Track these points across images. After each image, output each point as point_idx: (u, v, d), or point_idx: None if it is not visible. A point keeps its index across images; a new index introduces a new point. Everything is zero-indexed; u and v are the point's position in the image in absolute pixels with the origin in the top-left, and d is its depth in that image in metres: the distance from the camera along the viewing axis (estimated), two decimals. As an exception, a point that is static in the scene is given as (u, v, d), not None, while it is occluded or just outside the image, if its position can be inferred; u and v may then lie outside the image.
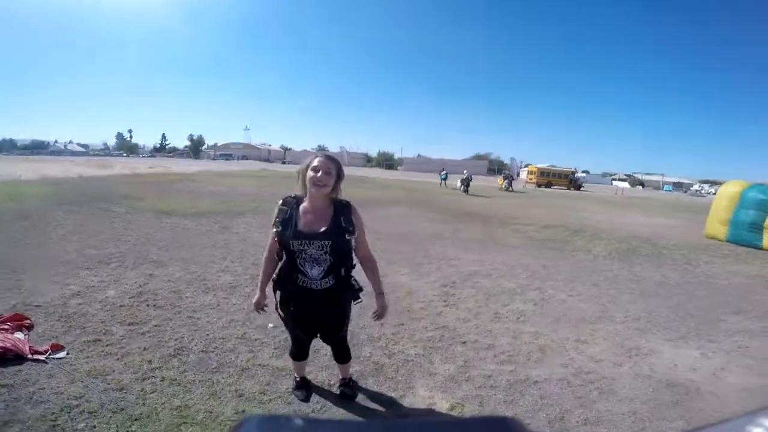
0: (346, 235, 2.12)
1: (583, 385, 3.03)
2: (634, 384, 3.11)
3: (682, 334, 4.12)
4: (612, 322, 4.34)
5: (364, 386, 2.87)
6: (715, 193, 13.42)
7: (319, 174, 2.05)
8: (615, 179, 70.14)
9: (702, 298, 5.43)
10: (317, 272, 2.12)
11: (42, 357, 2.92)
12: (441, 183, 26.74)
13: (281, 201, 2.17)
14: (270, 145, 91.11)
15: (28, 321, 3.48)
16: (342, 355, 2.61)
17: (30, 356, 2.92)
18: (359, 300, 2.36)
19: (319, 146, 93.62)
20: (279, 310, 2.34)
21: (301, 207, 2.13)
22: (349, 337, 3.49)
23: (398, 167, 70.63)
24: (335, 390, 2.77)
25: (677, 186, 65.20)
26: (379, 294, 2.32)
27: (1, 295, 4.04)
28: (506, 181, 28.02)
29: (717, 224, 10.73)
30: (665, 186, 64.60)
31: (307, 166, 2.11)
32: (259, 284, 2.34)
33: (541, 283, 5.58)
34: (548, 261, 6.89)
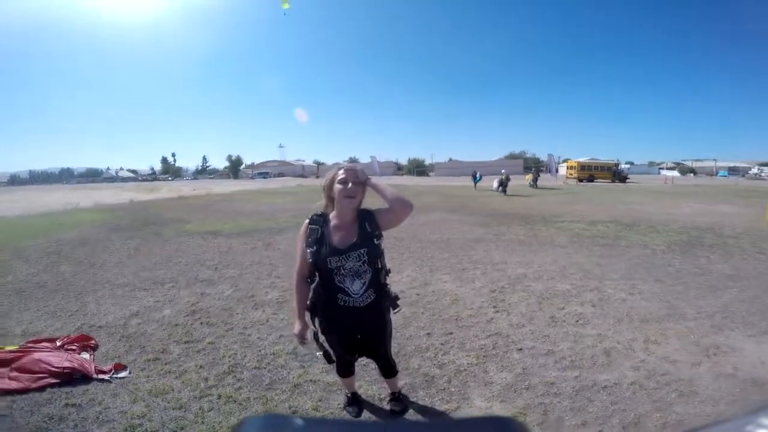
0: (375, 240, 2.06)
1: (658, 388, 2.82)
2: (717, 384, 2.87)
3: (764, 329, 3.78)
4: (683, 319, 4.03)
5: (414, 399, 2.78)
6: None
7: (350, 186, 2.01)
8: (663, 168, 66.34)
9: None
10: (359, 286, 2.05)
11: (106, 376, 3.06)
12: (475, 186, 26.27)
13: (308, 221, 2.11)
14: (304, 161, 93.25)
15: (93, 341, 3.66)
16: (388, 369, 2.52)
17: (95, 376, 3.06)
18: (398, 308, 2.26)
19: (350, 158, 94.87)
20: (319, 340, 2.25)
21: (331, 223, 2.08)
22: (395, 349, 3.43)
23: (430, 173, 70.20)
24: (386, 404, 2.70)
25: (733, 171, 60.54)
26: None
27: (67, 317, 4.30)
28: (498, 181, 23.07)
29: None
30: (720, 171, 60.25)
31: (332, 180, 2.06)
32: (297, 313, 2.19)
33: (597, 282, 5.27)
34: (601, 259, 6.52)
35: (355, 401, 2.68)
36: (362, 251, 2.02)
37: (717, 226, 9.74)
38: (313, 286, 2.16)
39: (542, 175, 30.62)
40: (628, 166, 54.13)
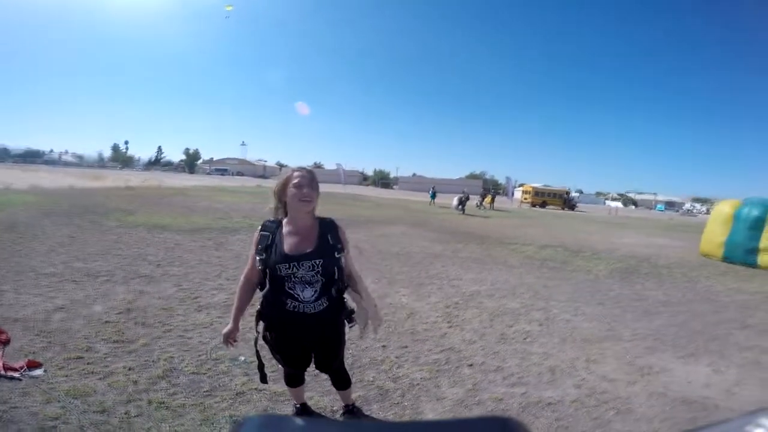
0: (336, 254, 1.98)
1: (598, 406, 2.94)
2: (650, 402, 3.04)
3: (691, 351, 4.09)
4: (620, 340, 4.27)
5: (368, 413, 2.68)
6: (706, 212, 13.54)
7: (305, 190, 1.93)
8: (608, 199, 70.81)
9: (707, 315, 5.45)
10: (309, 294, 1.95)
11: (16, 374, 2.71)
12: (431, 202, 26.93)
13: (260, 227, 2.02)
14: (266, 162, 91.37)
15: (4, 335, 3.26)
16: (341, 381, 2.40)
17: (2, 372, 2.71)
18: (353, 323, 2.13)
19: (315, 163, 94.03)
20: (262, 340, 2.11)
21: (284, 229, 1.99)
22: (350, 361, 3.33)
23: (394, 186, 70.90)
24: (338, 417, 2.57)
25: (669, 205, 65.76)
26: (374, 306, 2.16)
27: (-21, 308, 3.81)
28: (457, 200, 22.04)
29: (712, 243, 10.85)
30: (658, 205, 65.19)
31: (285, 183, 1.97)
32: (232, 314, 2.08)
33: (545, 303, 5.44)
34: (549, 281, 6.75)
35: (305, 412, 2.52)
36: (316, 262, 1.93)
37: (653, 256, 10.45)
38: (263, 293, 2.05)
39: (498, 198, 31.66)
40: (577, 194, 57.22)
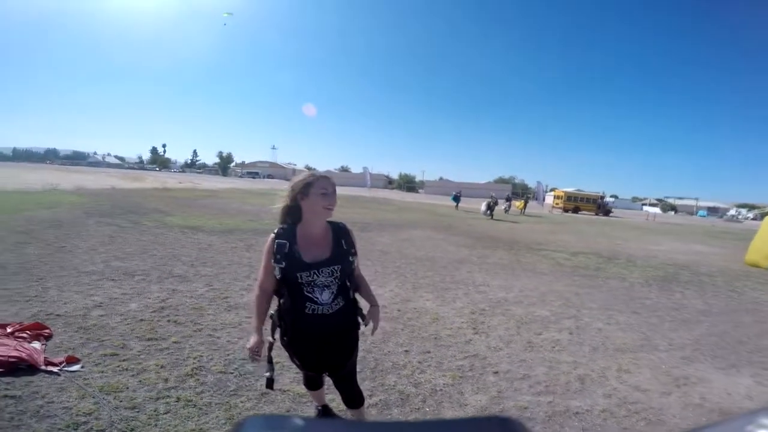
0: (350, 257, 2.00)
1: (628, 416, 2.87)
2: (684, 414, 2.96)
3: (732, 362, 3.94)
4: (655, 350, 4.14)
5: (388, 417, 2.67)
6: (753, 218, 12.81)
7: (332, 199, 1.92)
8: (645, 204, 67.90)
9: (750, 325, 5.22)
10: (327, 296, 1.93)
11: (55, 369, 2.84)
12: (456, 205, 26.36)
13: (274, 235, 1.95)
14: (295, 165, 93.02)
15: (47, 331, 3.43)
16: (353, 397, 2.21)
17: (43, 367, 2.84)
18: (366, 322, 2.10)
19: (341, 167, 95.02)
20: (271, 353, 2.05)
21: (299, 236, 1.94)
22: (372, 365, 3.33)
23: (420, 190, 70.60)
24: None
25: (712, 211, 62.41)
26: (375, 306, 2.12)
27: (24, 303, 4.05)
28: (485, 205, 21.37)
29: (761, 253, 10.29)
30: (699, 211, 61.93)
31: (304, 186, 1.91)
32: (254, 326, 1.99)
33: (576, 311, 5.28)
34: (581, 288, 6.54)
35: (326, 415, 2.54)
36: (335, 268, 1.93)
37: (693, 264, 9.99)
38: (280, 301, 2.00)
39: (529, 203, 30.68)
40: (612, 199, 55.15)
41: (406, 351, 3.66)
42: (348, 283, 2.04)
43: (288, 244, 1.90)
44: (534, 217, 24.88)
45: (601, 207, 39.34)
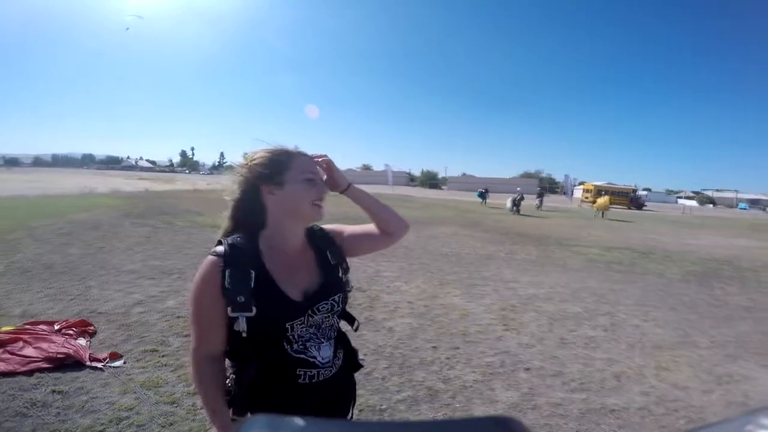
0: (344, 276, 1.26)
1: (667, 414, 2.80)
2: (727, 412, 2.86)
3: None
4: (696, 348, 4.00)
5: (417, 413, 2.67)
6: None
7: (325, 187, 1.21)
8: (681, 197, 65.14)
9: None
10: (327, 350, 1.19)
11: (100, 365, 2.97)
12: (482, 202, 25.77)
13: (219, 255, 1.09)
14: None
15: (91, 328, 3.60)
16: None
17: (88, 363, 2.98)
18: (361, 366, 1.38)
19: (363, 165, 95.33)
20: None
21: (267, 255, 1.13)
22: (399, 361, 3.34)
23: (442, 187, 70.06)
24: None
25: (754, 203, 59.19)
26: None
27: (69, 301, 4.26)
28: (511, 200, 20.56)
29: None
30: (740, 203, 58.90)
31: (277, 168, 1.13)
32: (211, 417, 1.12)
33: (610, 307, 5.13)
34: (615, 284, 6.36)
35: None
36: (336, 298, 1.20)
37: (735, 259, 9.54)
38: (240, 369, 1.15)
39: (553, 197, 29.31)
40: (645, 193, 53.15)
41: (434, 347, 3.65)
42: (343, 318, 1.31)
43: (251, 271, 1.07)
44: (562, 212, 24.28)
45: (633, 200, 38.00)
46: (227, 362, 1.16)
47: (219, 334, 1.09)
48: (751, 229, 19.47)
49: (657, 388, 3.13)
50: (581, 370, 3.36)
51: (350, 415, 1.34)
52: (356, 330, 1.34)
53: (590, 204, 37.06)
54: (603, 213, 20.52)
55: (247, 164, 1.16)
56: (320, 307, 1.16)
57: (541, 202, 24.88)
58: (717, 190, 72.55)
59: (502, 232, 12.34)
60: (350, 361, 1.31)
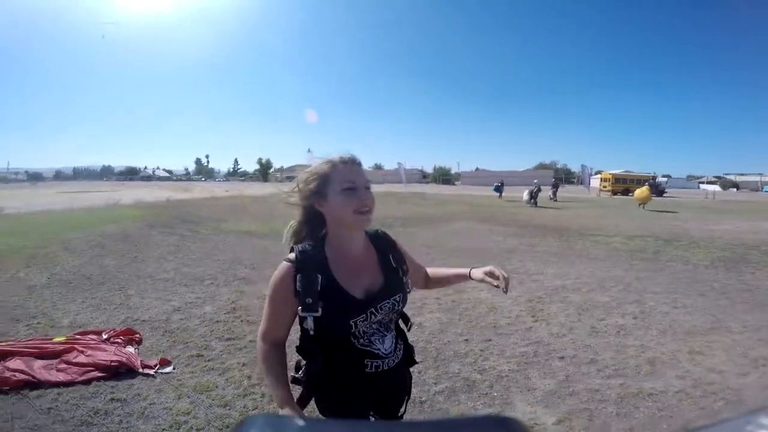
0: (405, 277, 1.37)
1: (705, 396, 2.85)
2: (765, 393, 2.88)
3: None
4: (729, 332, 4.00)
5: (456, 403, 2.77)
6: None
7: (365, 194, 1.23)
8: (702, 182, 63.46)
9: None
10: (390, 343, 1.32)
11: (151, 371, 3.10)
12: (499, 195, 25.49)
13: (291, 262, 1.23)
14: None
15: (137, 335, 3.77)
16: None
17: (141, 370, 3.11)
18: (416, 362, 1.54)
19: (375, 165, 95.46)
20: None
21: (333, 261, 1.25)
22: (434, 354, 3.43)
23: (456, 182, 69.69)
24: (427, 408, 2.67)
25: (780, 186, 57.29)
26: (474, 269, 1.54)
27: (112, 310, 4.47)
28: (528, 193, 20.55)
29: None
30: (765, 186, 57.11)
31: (320, 182, 1.25)
32: (279, 396, 1.22)
33: (638, 296, 5.13)
34: (641, 273, 6.33)
35: None
36: (397, 298, 1.31)
37: (763, 243, 9.31)
38: (309, 364, 1.30)
39: (570, 188, 28.83)
40: (665, 179, 51.95)
41: (467, 340, 3.74)
42: (403, 316, 1.43)
43: (320, 276, 1.21)
44: (581, 202, 23.99)
45: (653, 187, 37.08)
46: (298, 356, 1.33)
47: (286, 326, 1.29)
48: (779, 211, 18.94)
49: (692, 372, 3.17)
50: (614, 357, 3.42)
51: (404, 409, 1.46)
52: (409, 329, 1.45)
53: (609, 192, 36.58)
54: (644, 204, 19.15)
55: (297, 187, 1.31)
56: (382, 306, 1.27)
57: (554, 193, 24.53)
58: (740, 174, 70.45)
59: (521, 224, 12.31)
60: (407, 355, 1.43)
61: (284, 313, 1.25)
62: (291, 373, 1.33)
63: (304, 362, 1.32)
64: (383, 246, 1.37)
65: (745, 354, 3.50)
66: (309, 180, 1.27)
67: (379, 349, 1.29)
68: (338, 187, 1.22)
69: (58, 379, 2.97)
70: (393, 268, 1.34)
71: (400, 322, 1.42)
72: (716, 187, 55.10)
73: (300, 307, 1.19)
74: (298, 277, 1.20)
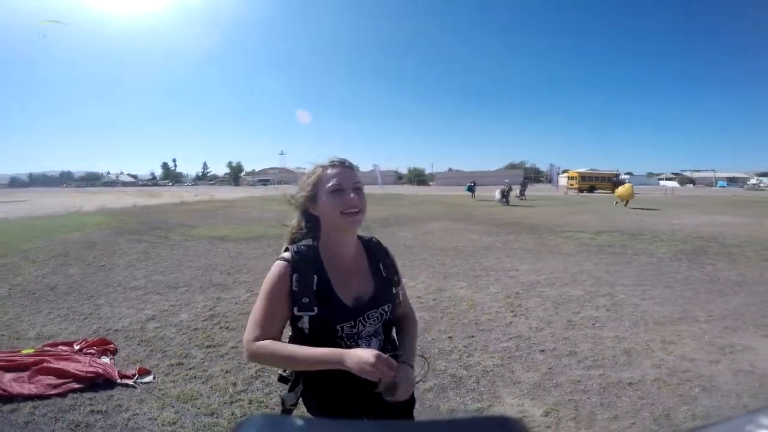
0: (394, 288, 1.35)
1: (681, 384, 2.99)
2: (737, 380, 3.05)
3: None
4: (696, 321, 4.20)
5: (445, 400, 2.81)
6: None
7: (352, 195, 1.23)
8: (662, 179, 66.61)
9: None
10: (376, 345, 1.30)
11: (130, 381, 2.99)
12: (471, 195, 25.96)
13: (287, 261, 1.23)
14: (304, 169, 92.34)
15: (112, 345, 3.63)
16: None
17: (119, 380, 3.00)
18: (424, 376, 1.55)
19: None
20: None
21: (326, 262, 1.26)
22: (419, 352, 3.43)
23: (430, 183, 70.36)
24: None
25: (732, 181, 60.85)
26: (421, 357, 1.46)
27: (82, 321, 4.27)
28: (500, 192, 20.98)
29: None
30: (719, 182, 60.51)
31: (313, 184, 1.27)
32: (337, 352, 1.13)
33: (609, 288, 5.34)
34: (610, 266, 6.58)
35: None
36: (386, 308, 1.30)
37: (720, 235, 9.86)
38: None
39: (539, 186, 29.67)
40: (627, 176, 54.18)
41: (450, 337, 3.80)
42: (391, 326, 1.39)
43: (314, 275, 1.21)
44: (550, 200, 24.70)
45: (616, 185, 38.67)
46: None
47: (280, 326, 1.24)
48: (732, 206, 20.12)
49: (666, 361, 3.32)
50: (592, 348, 3.55)
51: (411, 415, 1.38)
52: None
53: (576, 190, 37.83)
54: (626, 202, 18.73)
55: (300, 186, 1.33)
56: (370, 314, 1.26)
57: (522, 191, 24.85)
58: (695, 171, 74.39)
59: (494, 223, 12.56)
60: (395, 358, 1.26)
61: (279, 311, 1.21)
62: (278, 371, 1.34)
63: None
64: (375, 253, 1.36)
65: (712, 342, 3.68)
66: (305, 185, 1.29)
67: None
68: (326, 189, 1.24)
69: (30, 392, 2.83)
70: (383, 277, 1.34)
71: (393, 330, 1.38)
72: (675, 183, 57.94)
73: (296, 307, 1.19)
74: (294, 276, 1.20)
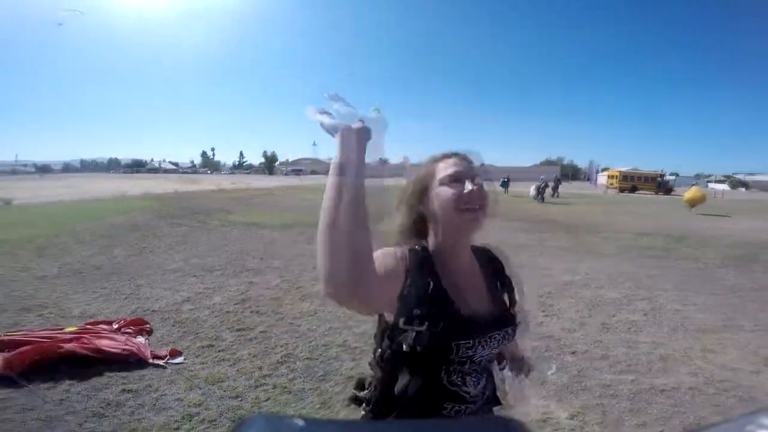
0: (512, 309, 1.09)
1: (718, 393, 2.85)
2: None
3: None
4: (741, 331, 3.99)
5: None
6: None
7: (475, 188, 0.96)
8: (711, 181, 62.76)
9: None
10: (481, 386, 1.03)
11: (162, 362, 3.08)
12: (504, 191, 25.40)
13: (406, 253, 0.96)
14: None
15: (148, 326, 3.76)
16: None
17: (151, 361, 3.09)
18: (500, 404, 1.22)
19: (380, 159, 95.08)
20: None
21: (441, 268, 0.97)
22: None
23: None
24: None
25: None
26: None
27: (122, 300, 4.48)
28: (535, 188, 20.57)
29: None
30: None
31: (425, 179, 1.02)
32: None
33: (649, 293, 5.10)
34: (652, 270, 6.27)
35: None
36: (509, 330, 1.03)
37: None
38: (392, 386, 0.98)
39: (577, 184, 28.50)
40: (673, 177, 51.40)
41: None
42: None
43: (431, 279, 0.94)
44: (588, 198, 23.81)
45: (661, 185, 36.86)
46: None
47: (382, 294, 0.88)
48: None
49: (704, 369, 3.17)
50: (626, 353, 3.41)
51: None
52: (502, 369, 1.18)
53: (616, 189, 36.25)
54: (694, 207, 16.67)
55: (409, 180, 1.07)
56: (493, 336, 0.99)
57: (555, 189, 23.31)
58: (749, 174, 69.64)
59: (529, 220, 12.24)
60: (493, 393, 1.12)
61: (393, 300, 0.90)
62: (353, 390, 1.09)
63: (371, 379, 1.05)
64: (491, 266, 1.10)
65: (756, 352, 3.49)
66: (417, 178, 1.05)
67: (468, 392, 1.00)
68: (438, 179, 0.99)
69: (71, 349, 3.00)
70: (500, 294, 1.09)
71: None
72: (725, 186, 54.50)
73: (402, 319, 0.91)
74: (407, 281, 0.91)
